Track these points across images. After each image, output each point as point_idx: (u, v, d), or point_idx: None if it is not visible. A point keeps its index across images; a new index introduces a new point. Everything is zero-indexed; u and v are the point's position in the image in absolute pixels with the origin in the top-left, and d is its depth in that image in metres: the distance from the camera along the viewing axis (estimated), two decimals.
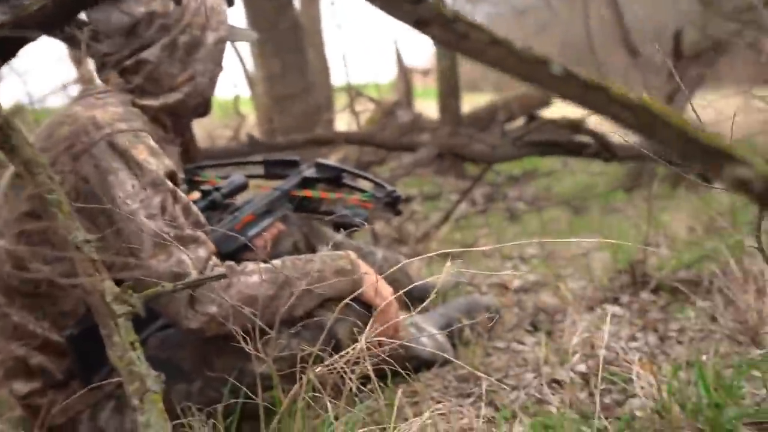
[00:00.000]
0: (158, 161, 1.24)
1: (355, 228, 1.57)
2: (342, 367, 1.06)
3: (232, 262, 1.28)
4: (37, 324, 1.26)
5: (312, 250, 1.71)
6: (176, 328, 1.26)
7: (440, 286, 1.33)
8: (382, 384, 1.21)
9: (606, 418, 1.27)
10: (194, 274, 1.19)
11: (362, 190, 1.70)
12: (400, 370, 1.20)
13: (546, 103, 6.75)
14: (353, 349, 1.10)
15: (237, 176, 1.66)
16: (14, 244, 1.25)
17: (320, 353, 1.17)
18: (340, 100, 6.24)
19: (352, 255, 1.38)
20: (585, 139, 3.65)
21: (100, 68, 1.38)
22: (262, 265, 1.28)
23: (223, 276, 0.95)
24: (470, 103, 6.71)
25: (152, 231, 1.18)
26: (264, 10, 4.18)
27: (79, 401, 1.29)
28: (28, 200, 1.22)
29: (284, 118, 4.02)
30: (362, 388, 1.15)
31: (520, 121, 6.29)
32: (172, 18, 1.34)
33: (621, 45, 4.22)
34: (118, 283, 0.96)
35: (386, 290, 1.38)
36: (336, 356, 1.09)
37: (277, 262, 1.30)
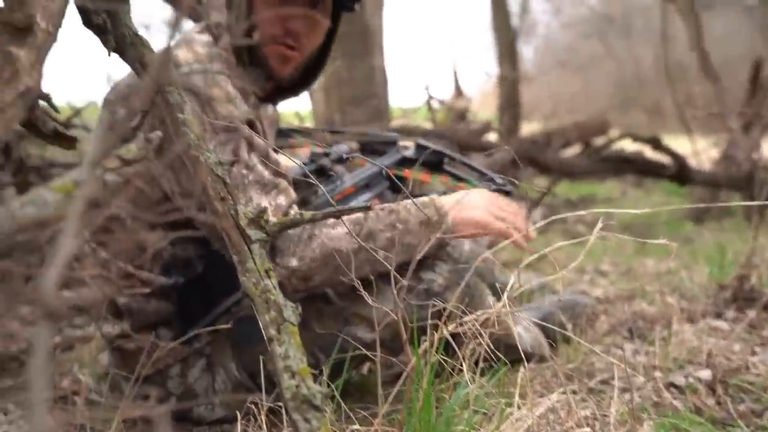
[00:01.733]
0: (234, 107, 1.15)
1: None
2: (477, 329, 0.96)
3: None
4: (128, 263, 1.18)
5: None
6: None
7: (528, 285, 1.23)
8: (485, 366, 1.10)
9: (746, 426, 1.14)
10: (241, 209, 1.10)
11: (465, 179, 1.59)
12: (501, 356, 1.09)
13: (603, 131, 6.61)
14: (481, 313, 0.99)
15: (343, 145, 1.58)
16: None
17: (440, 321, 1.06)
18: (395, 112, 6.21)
19: (436, 198, 1.26)
20: (660, 159, 3.53)
21: None
22: (345, 216, 1.18)
23: (367, 208, 0.86)
24: (524, 131, 6.63)
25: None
26: None
27: (169, 354, 1.20)
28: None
29: (348, 121, 3.97)
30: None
31: (576, 149, 6.17)
32: None
33: (699, 70, 4.08)
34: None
35: (471, 209, 1.25)
36: (474, 315, 0.98)
37: (358, 214, 1.19)
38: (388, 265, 0.96)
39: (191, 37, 1.23)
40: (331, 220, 1.17)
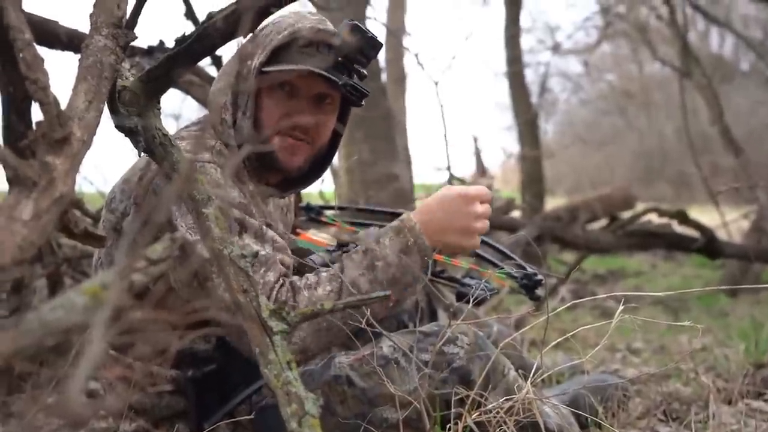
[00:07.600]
0: (223, 192, 1.17)
1: (478, 302, 1.47)
2: (502, 416, 0.94)
3: (294, 278, 1.18)
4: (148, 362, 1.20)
5: (432, 312, 1.61)
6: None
7: (555, 367, 1.22)
8: None
9: None
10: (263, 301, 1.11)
11: (496, 264, 1.58)
12: None
13: (629, 205, 6.59)
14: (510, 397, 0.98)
15: (373, 228, 1.59)
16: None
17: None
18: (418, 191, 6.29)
19: (406, 219, 1.22)
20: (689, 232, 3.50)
21: None
22: (323, 273, 1.18)
23: (386, 296, 0.87)
24: (548, 205, 6.64)
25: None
26: None
27: None
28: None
29: (371, 203, 4.05)
30: None
31: (602, 222, 6.14)
32: None
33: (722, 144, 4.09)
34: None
35: (446, 231, 1.22)
36: (500, 401, 0.97)
37: (332, 270, 1.19)
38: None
39: (186, 135, 1.27)
40: (311, 280, 1.17)
